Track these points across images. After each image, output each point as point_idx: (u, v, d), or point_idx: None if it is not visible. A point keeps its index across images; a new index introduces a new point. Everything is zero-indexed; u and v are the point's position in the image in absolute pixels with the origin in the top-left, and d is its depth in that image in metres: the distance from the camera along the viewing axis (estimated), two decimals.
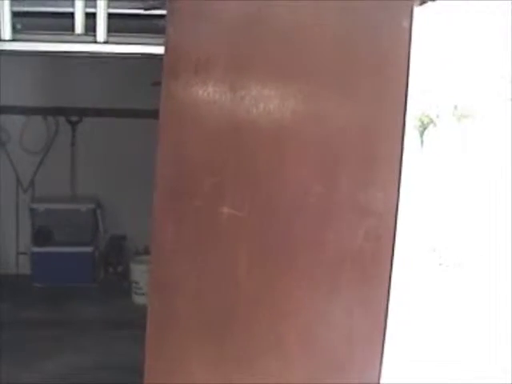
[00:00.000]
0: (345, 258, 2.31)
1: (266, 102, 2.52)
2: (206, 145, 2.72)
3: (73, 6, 3.27)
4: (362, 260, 2.26)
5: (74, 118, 7.29)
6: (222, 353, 2.69)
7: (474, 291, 7.59)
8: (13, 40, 3.22)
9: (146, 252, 6.52)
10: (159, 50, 3.03)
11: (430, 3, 2.23)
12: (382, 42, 2.23)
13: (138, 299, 6.45)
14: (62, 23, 3.48)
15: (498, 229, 10.26)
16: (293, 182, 2.45)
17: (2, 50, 3.29)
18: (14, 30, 3.25)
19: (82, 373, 4.90)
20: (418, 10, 2.20)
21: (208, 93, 2.69)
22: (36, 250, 6.93)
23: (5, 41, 3.21)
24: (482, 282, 7.93)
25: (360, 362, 2.39)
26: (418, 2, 2.22)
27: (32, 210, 7.01)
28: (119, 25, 3.40)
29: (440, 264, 8.74)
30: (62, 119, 7.28)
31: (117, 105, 7.00)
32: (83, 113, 7.21)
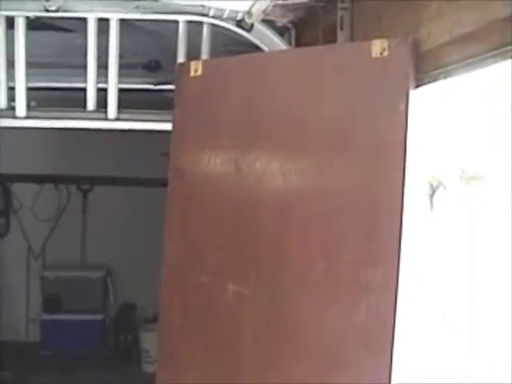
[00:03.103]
0: (347, 334, 2.34)
1: (270, 180, 2.60)
2: (212, 220, 2.79)
3: (84, 81, 3.36)
4: (364, 335, 2.29)
5: (85, 187, 7.40)
6: None
7: (485, 356, 7.50)
8: (27, 117, 3.31)
9: (157, 320, 6.51)
10: (168, 126, 3.13)
11: (425, 86, 2.32)
12: (380, 125, 2.31)
13: (148, 367, 6.43)
14: (73, 96, 3.59)
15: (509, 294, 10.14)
16: (296, 259, 2.51)
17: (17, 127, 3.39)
18: (29, 107, 3.35)
19: None
20: (413, 93, 2.29)
21: (215, 170, 2.78)
22: (46, 317, 6.96)
23: (19, 118, 3.31)
24: (495, 346, 7.83)
25: None
26: (414, 86, 2.30)
27: (43, 278, 7.07)
28: (129, 98, 3.50)
29: (450, 330, 8.65)
30: (73, 187, 7.39)
31: (127, 173, 7.12)
32: (94, 181, 7.32)
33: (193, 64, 2.89)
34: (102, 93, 3.39)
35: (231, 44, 3.58)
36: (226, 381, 2.67)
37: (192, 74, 2.86)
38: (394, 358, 2.26)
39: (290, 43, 3.42)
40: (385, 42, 2.32)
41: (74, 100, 3.50)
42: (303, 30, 3.49)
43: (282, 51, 3.13)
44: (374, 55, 2.34)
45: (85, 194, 7.41)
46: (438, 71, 2.31)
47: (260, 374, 2.57)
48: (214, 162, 2.76)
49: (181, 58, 3.21)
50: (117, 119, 3.33)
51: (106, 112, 3.33)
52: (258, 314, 2.58)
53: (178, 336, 2.87)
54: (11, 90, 3.33)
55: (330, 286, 2.39)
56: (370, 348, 2.28)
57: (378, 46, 2.33)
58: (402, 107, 2.25)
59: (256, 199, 2.64)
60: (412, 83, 2.31)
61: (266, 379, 2.54)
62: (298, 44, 3.44)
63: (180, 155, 2.91)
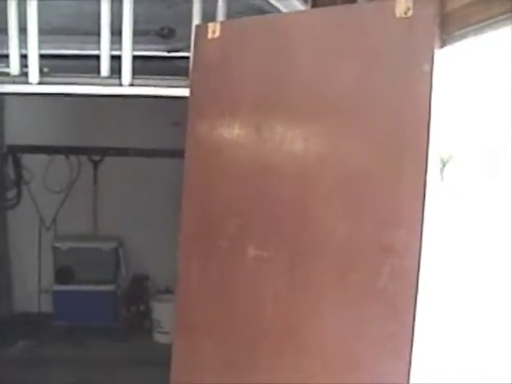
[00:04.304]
0: (370, 297, 2.32)
1: (290, 143, 2.57)
2: (231, 185, 2.76)
3: (98, 48, 3.33)
4: (387, 298, 2.27)
5: (96, 157, 7.37)
6: None
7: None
8: (40, 83, 3.28)
9: (168, 291, 6.55)
10: (183, 92, 3.09)
11: (450, 46, 2.28)
12: (403, 85, 2.28)
13: (160, 338, 6.46)
14: (86, 64, 3.56)
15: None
16: (317, 222, 2.48)
17: (30, 93, 3.36)
18: (41, 73, 3.32)
19: None
20: (438, 53, 2.25)
21: (233, 135, 2.74)
22: (58, 288, 6.95)
23: (32, 84, 3.27)
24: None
25: None
26: (439, 46, 2.26)
27: (55, 249, 7.05)
28: (142, 66, 3.46)
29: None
30: (84, 158, 7.35)
31: (138, 144, 7.08)
32: (105, 152, 7.29)
33: (211, 26, 2.84)
34: (115, 62, 3.36)
35: (245, 12, 3.53)
36: (245, 347, 2.65)
37: (210, 35, 2.82)
38: (416, 322, 2.24)
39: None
40: (409, 1, 2.27)
41: (86, 68, 3.47)
42: None
43: (303, 11, 3.08)
44: (398, 15, 2.29)
45: (96, 164, 7.39)
46: (462, 31, 2.27)
47: (280, 339, 2.55)
48: (233, 126, 2.73)
49: (196, 22, 3.16)
50: (131, 85, 3.29)
51: (120, 78, 3.29)
52: (278, 278, 2.56)
53: (195, 303, 2.85)
54: (24, 57, 3.30)
55: (352, 248, 2.36)
56: (392, 310, 2.26)
57: (402, 5, 2.28)
58: (427, 68, 2.21)
59: (276, 163, 2.61)
60: (437, 43, 2.27)
61: (286, 344, 2.53)
62: (315, 7, 3.39)
63: (198, 120, 2.87)
